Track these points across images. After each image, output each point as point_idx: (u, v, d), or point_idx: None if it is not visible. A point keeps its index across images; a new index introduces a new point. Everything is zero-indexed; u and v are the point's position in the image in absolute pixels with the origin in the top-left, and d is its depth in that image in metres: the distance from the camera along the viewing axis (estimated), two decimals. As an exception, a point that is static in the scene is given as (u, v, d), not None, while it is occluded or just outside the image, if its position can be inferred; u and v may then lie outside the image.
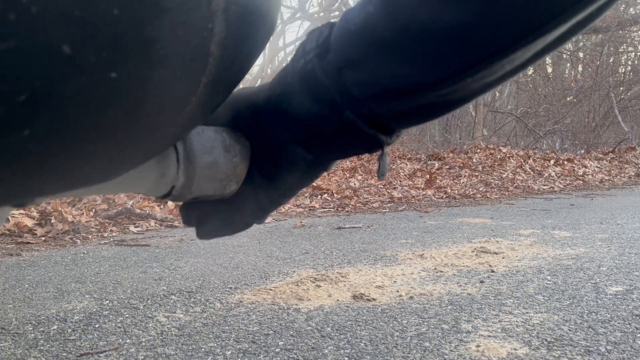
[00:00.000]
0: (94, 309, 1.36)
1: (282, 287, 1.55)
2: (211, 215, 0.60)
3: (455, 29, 0.39)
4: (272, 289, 1.54)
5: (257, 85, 0.62)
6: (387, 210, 3.62)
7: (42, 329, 1.21)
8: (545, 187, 5.10)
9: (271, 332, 1.18)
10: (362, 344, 1.11)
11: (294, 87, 0.52)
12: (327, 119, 0.50)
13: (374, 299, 1.43)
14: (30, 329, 1.22)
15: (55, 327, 1.22)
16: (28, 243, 2.35)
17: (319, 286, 1.56)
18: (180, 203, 0.61)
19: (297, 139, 0.53)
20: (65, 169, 0.32)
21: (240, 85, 0.48)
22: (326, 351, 1.07)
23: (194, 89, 0.35)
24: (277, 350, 1.08)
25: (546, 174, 5.77)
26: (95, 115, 0.27)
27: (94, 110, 0.27)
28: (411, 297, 1.45)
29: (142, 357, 1.04)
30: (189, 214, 0.62)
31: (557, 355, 1.05)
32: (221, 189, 0.56)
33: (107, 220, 2.78)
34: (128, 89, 0.26)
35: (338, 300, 1.43)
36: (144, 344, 1.12)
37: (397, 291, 1.52)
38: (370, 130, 0.49)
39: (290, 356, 1.04)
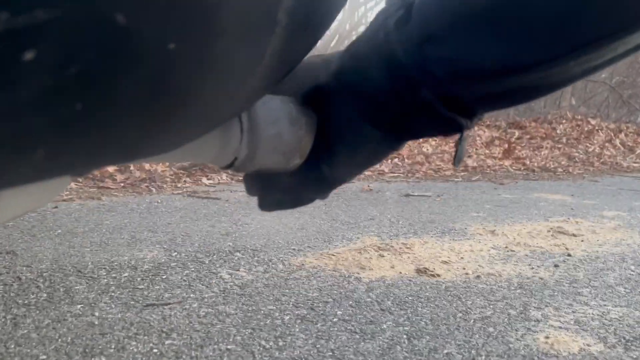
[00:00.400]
0: (163, 260, 1.41)
1: (345, 253, 1.54)
2: (274, 187, 0.58)
3: (568, 4, 0.33)
4: (335, 254, 1.53)
5: (328, 52, 0.58)
6: (460, 179, 3.50)
7: (114, 275, 1.27)
8: (636, 165, 4.74)
9: (330, 300, 1.17)
10: (423, 323, 1.08)
11: (367, 59, 0.48)
12: (401, 97, 0.45)
13: (438, 275, 1.39)
14: (104, 274, 1.28)
15: (126, 274, 1.28)
16: (108, 188, 2.47)
17: (382, 256, 1.53)
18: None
19: (367, 115, 0.50)
20: (121, 142, 0.31)
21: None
22: (384, 326, 1.05)
23: (258, 60, 0.32)
24: (334, 320, 1.07)
25: (639, 151, 5.36)
26: (152, 88, 0.25)
27: (151, 83, 0.24)
28: (478, 277, 1.40)
29: (204, 314, 1.07)
30: (252, 184, 0.60)
31: (635, 357, 0.97)
32: (284, 162, 0.54)
33: (181, 171, 2.87)
34: (187, 61, 0.24)
35: (401, 272, 1.40)
36: (206, 300, 1.14)
37: (464, 268, 1.46)
38: (449, 113, 0.44)
39: (348, 327, 1.03)
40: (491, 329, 1.06)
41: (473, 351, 0.96)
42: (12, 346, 0.89)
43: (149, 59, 0.22)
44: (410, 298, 1.21)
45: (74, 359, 0.86)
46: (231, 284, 1.25)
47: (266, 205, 0.60)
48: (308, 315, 1.08)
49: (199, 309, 1.09)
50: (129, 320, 1.02)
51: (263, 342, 0.95)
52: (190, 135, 0.37)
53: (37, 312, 1.04)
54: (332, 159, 0.53)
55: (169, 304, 1.11)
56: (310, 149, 0.54)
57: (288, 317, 1.07)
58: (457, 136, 0.50)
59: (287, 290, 1.22)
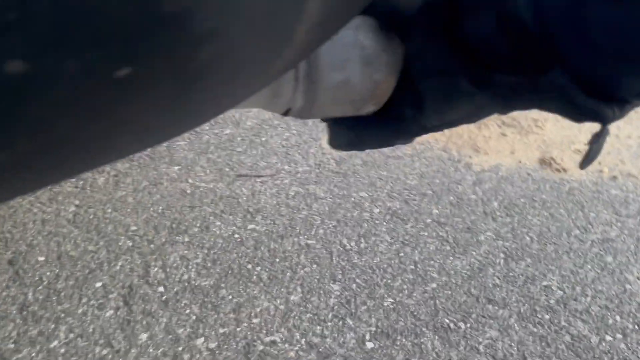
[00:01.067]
0: (267, 116, 1.37)
1: (461, 127, 1.38)
2: (347, 125, 0.49)
3: None
4: (450, 127, 1.37)
5: None
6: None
7: (216, 132, 1.26)
8: None
9: (429, 192, 1.08)
10: (528, 238, 0.96)
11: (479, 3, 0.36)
12: (517, 67, 0.35)
13: (564, 170, 1.20)
14: (207, 128, 1.28)
15: (227, 132, 1.27)
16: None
17: (505, 135, 1.35)
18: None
19: (467, 72, 0.38)
20: (88, 158, 0.27)
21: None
22: (482, 237, 0.95)
23: (283, 43, 0.25)
24: (428, 220, 0.98)
25: None
26: (108, 116, 0.21)
27: (104, 113, 0.20)
28: (614, 177, 1.19)
29: (293, 194, 1.04)
30: (325, 115, 0.50)
31: None
32: (354, 111, 0.44)
33: None
34: (154, 81, 0.20)
35: (520, 162, 1.23)
36: (299, 175, 1.10)
37: (599, 163, 1.25)
38: (590, 102, 0.33)
39: (440, 233, 0.95)
40: (609, 259, 0.92)
41: (578, 288, 0.84)
42: (109, 210, 0.94)
43: (89, 93, 0.18)
44: (522, 200, 1.07)
45: (161, 234, 0.89)
46: (328, 156, 1.19)
47: (336, 143, 0.51)
48: (400, 211, 1.01)
49: (290, 186, 1.06)
50: (219, 193, 1.02)
51: (345, 241, 0.91)
52: (215, 113, 0.32)
53: (138, 170, 1.08)
54: (418, 106, 0.42)
55: (262, 176, 1.09)
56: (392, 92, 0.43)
57: (378, 211, 1.00)
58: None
59: (384, 173, 1.13)
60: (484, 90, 0.39)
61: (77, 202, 0.95)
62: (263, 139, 1.25)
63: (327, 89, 0.41)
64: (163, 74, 0.20)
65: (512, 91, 0.37)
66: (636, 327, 0.77)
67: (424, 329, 0.73)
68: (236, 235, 0.90)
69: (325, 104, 0.42)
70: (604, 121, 0.35)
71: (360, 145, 0.49)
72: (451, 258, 0.88)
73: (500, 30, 0.35)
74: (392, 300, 0.78)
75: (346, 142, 0.50)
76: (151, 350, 0.67)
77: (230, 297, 0.76)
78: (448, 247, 0.91)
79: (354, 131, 0.48)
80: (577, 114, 0.36)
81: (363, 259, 0.87)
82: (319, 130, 1.30)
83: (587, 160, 0.39)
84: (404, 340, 0.71)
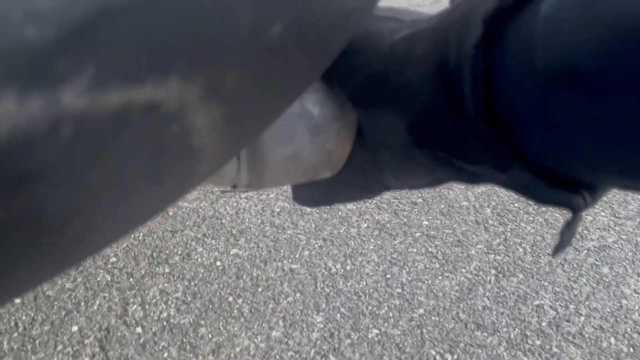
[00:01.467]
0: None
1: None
2: (309, 185, 0.45)
3: None
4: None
5: (389, 24, 0.38)
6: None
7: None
8: None
9: (420, 201, 1.04)
10: (521, 250, 0.92)
11: (423, 71, 0.31)
12: (476, 162, 0.31)
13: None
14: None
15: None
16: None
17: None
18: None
19: (427, 155, 0.35)
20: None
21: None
22: (473, 251, 0.92)
23: (185, 181, 0.22)
24: (417, 234, 0.95)
25: None
26: None
27: None
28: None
29: (279, 210, 1.01)
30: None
31: None
32: (308, 179, 0.40)
33: None
34: (21, 262, 0.17)
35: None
36: (286, 187, 1.07)
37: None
38: (558, 195, 0.29)
39: (429, 249, 0.92)
40: (605, 270, 0.88)
41: (572, 306, 0.81)
42: (90, 240, 0.92)
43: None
44: (516, 206, 1.04)
45: (141, 265, 0.87)
46: (316, 164, 1.16)
47: (300, 199, 0.48)
48: (388, 225, 0.98)
49: (275, 201, 1.03)
50: (202, 214, 0.99)
51: (330, 263, 0.88)
52: (120, 237, 0.28)
53: (121, 191, 1.05)
54: (378, 170, 0.38)
55: (247, 191, 1.06)
56: (351, 150, 0.39)
57: (366, 225, 0.97)
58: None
59: (374, 181, 1.10)
60: (445, 168, 0.35)
61: (56, 232, 0.93)
62: (249, 147, 1.21)
63: (274, 165, 0.37)
64: (28, 254, 0.18)
65: (474, 174, 0.34)
66: (631, 349, 0.74)
67: (409, 364, 0.71)
68: (218, 263, 0.88)
69: (274, 178, 0.38)
70: (575, 210, 0.31)
71: (326, 202, 0.46)
72: (440, 277, 0.86)
73: (446, 119, 0.31)
74: (377, 331, 0.76)
75: (311, 200, 0.47)
76: (128, 400, 0.65)
77: (210, 335, 0.74)
78: (437, 265, 0.88)
79: (318, 190, 0.45)
80: (543, 204, 0.33)
81: (349, 284, 0.84)
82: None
83: (559, 248, 0.35)
84: (387, 378, 0.69)
